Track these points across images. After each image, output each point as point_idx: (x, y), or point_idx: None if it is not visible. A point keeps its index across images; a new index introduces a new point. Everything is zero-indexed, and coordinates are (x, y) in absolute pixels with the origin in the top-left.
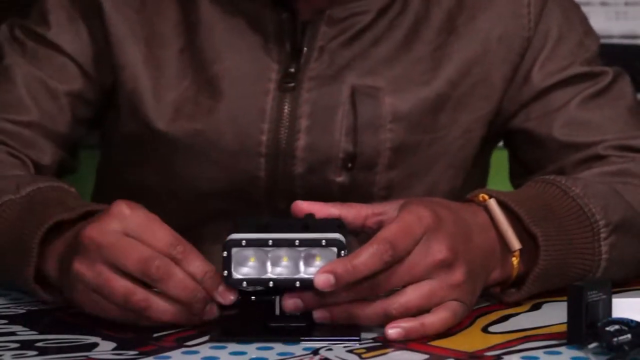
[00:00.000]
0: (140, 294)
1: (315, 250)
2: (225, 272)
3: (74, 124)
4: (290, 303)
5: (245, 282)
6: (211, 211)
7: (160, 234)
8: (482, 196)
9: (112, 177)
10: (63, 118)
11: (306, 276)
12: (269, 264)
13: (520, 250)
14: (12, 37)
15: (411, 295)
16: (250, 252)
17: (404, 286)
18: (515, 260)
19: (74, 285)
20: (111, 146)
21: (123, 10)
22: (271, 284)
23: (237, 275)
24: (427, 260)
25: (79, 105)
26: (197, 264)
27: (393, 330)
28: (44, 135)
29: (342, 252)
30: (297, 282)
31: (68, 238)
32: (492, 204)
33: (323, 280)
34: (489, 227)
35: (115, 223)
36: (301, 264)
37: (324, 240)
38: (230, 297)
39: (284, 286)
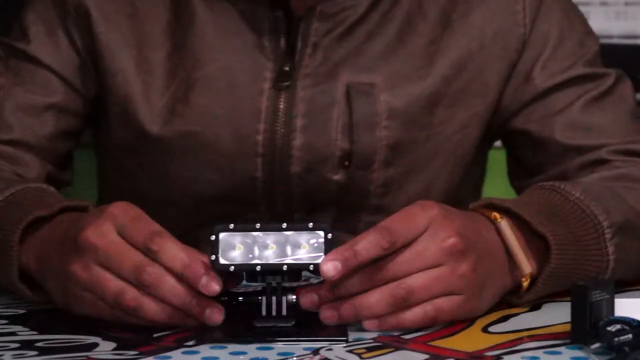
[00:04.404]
0: (131, 293)
1: (302, 235)
2: (213, 256)
3: (59, 138)
4: (307, 300)
5: (232, 267)
6: (209, 213)
7: (140, 226)
8: (494, 215)
9: (110, 185)
10: (46, 133)
11: (293, 261)
12: (256, 248)
13: (531, 251)
14: None
15: (418, 278)
16: (237, 237)
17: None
18: (525, 283)
19: (66, 285)
20: (105, 155)
21: (113, 17)
22: (258, 268)
23: (224, 260)
24: (435, 247)
25: (63, 118)
26: (175, 257)
27: (370, 322)
28: (28, 151)
29: (329, 235)
30: (285, 267)
31: (45, 234)
32: (504, 226)
33: (330, 268)
34: (498, 240)
35: (108, 225)
36: (288, 249)
37: (310, 224)
38: (214, 288)
39: (271, 271)
